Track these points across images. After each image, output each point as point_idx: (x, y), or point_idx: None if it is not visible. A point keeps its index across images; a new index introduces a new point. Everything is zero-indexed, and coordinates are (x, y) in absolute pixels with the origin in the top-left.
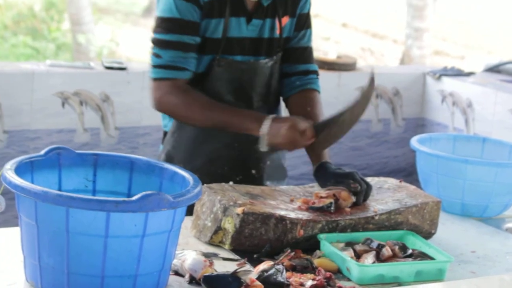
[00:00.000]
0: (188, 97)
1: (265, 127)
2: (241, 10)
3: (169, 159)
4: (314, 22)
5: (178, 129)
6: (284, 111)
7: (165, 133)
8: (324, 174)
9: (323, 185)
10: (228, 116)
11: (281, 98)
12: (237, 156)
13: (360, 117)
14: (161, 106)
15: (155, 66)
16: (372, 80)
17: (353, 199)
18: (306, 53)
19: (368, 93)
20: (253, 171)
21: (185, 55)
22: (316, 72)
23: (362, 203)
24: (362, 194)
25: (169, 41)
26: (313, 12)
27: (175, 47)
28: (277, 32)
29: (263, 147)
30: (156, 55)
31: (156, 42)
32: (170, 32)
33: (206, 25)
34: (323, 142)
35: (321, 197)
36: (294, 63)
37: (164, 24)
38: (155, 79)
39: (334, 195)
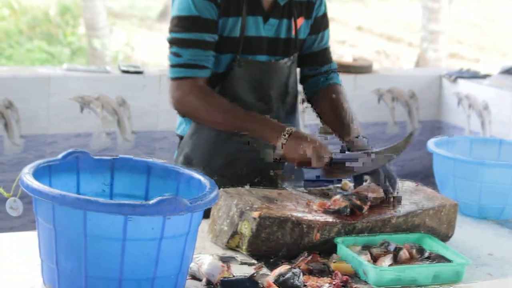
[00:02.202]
0: (209, 98)
1: (284, 139)
2: (258, 9)
3: (188, 161)
4: (329, 26)
5: (197, 131)
6: (301, 114)
7: (181, 138)
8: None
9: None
10: (248, 122)
11: (298, 99)
12: (256, 157)
13: (381, 164)
14: (181, 106)
15: (175, 66)
16: (410, 137)
17: (382, 194)
18: (326, 54)
19: (401, 146)
20: (271, 173)
21: (205, 53)
22: (336, 70)
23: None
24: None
25: (189, 40)
26: (328, 15)
27: (195, 45)
28: (293, 33)
29: (269, 158)
30: (175, 54)
31: (175, 41)
32: (189, 30)
33: (223, 24)
34: (334, 172)
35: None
36: (316, 65)
37: (183, 23)
38: (175, 79)
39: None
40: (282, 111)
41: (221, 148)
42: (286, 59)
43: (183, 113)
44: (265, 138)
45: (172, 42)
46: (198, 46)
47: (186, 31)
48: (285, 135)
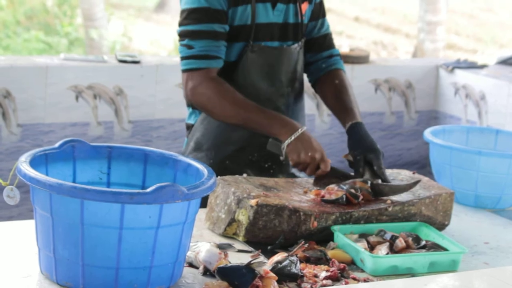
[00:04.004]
0: (222, 90)
1: (292, 138)
2: None
3: (198, 146)
4: (326, 16)
5: (208, 117)
6: (307, 100)
7: (188, 126)
8: (357, 139)
9: (352, 150)
10: (259, 116)
11: (304, 85)
12: (266, 142)
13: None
14: (194, 97)
15: (187, 57)
16: (414, 184)
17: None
18: (327, 39)
19: (403, 189)
20: (281, 158)
21: (217, 43)
22: (339, 55)
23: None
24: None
25: (200, 31)
26: (325, 6)
27: (207, 36)
28: (300, 17)
29: (272, 148)
30: (187, 46)
31: (186, 34)
32: (200, 22)
33: (232, 14)
34: (325, 183)
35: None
36: (318, 51)
37: (193, 15)
38: (188, 70)
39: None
40: (291, 96)
41: (232, 134)
42: (296, 44)
43: (195, 104)
44: (274, 134)
45: (183, 34)
46: (210, 37)
47: (197, 22)
48: (295, 135)
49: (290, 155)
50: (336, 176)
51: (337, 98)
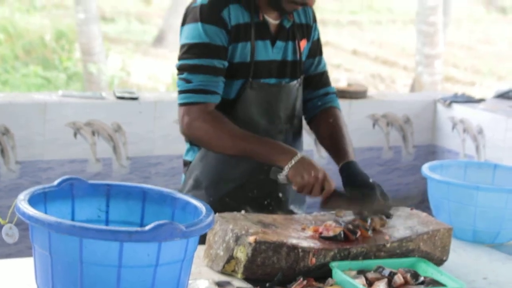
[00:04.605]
0: (219, 123)
1: (293, 162)
2: (266, 33)
3: (198, 184)
4: (324, 50)
5: (206, 154)
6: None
7: (186, 163)
8: (350, 177)
9: (348, 187)
10: (258, 145)
11: (303, 122)
12: (265, 179)
13: (378, 213)
14: (190, 131)
15: (185, 91)
16: (410, 204)
17: (385, 220)
18: (323, 77)
19: (400, 203)
20: (280, 194)
21: (216, 79)
22: (334, 93)
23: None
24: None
25: (199, 66)
26: (323, 40)
27: (206, 71)
28: (298, 55)
29: (274, 176)
30: (185, 80)
31: (186, 68)
32: (200, 56)
33: (233, 50)
34: (332, 205)
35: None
36: (314, 89)
37: (194, 50)
38: (185, 104)
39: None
40: (290, 133)
41: (232, 172)
42: (294, 81)
43: (192, 139)
44: (274, 161)
45: (182, 68)
46: (208, 72)
47: (197, 57)
48: (295, 159)
49: (294, 179)
50: (343, 197)
51: (331, 138)
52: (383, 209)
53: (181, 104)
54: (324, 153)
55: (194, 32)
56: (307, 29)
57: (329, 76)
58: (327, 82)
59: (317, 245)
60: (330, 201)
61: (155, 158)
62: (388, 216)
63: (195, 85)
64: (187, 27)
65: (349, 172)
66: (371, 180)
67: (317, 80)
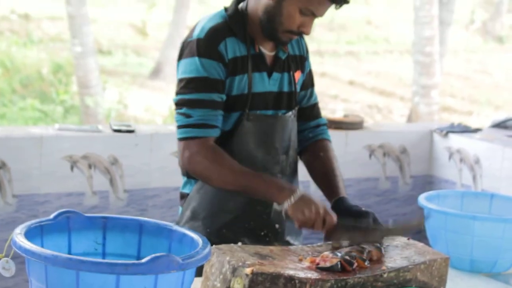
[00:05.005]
0: (219, 158)
1: (292, 200)
2: (262, 64)
3: (195, 215)
4: (321, 80)
5: (204, 186)
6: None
7: (183, 195)
8: (343, 211)
9: (343, 220)
10: (257, 182)
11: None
12: (262, 211)
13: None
14: (191, 165)
15: (184, 126)
16: (421, 222)
17: (383, 252)
18: (315, 109)
19: (411, 227)
20: (277, 226)
21: (215, 112)
22: (325, 124)
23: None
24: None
25: (198, 100)
26: (320, 70)
27: (205, 106)
28: (293, 86)
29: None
30: (185, 115)
31: (184, 102)
32: (198, 91)
33: (230, 83)
34: (336, 236)
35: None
36: (306, 121)
37: (192, 84)
38: (185, 139)
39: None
40: (286, 163)
41: (229, 203)
42: (290, 112)
43: (193, 173)
44: (272, 199)
45: (181, 103)
46: (208, 106)
47: (195, 91)
48: (295, 197)
49: (295, 216)
50: (344, 228)
51: (322, 174)
52: (376, 237)
53: (181, 139)
54: None
55: (192, 66)
56: (301, 60)
57: (324, 107)
58: (318, 113)
59: (314, 275)
60: (334, 233)
61: (151, 191)
62: (380, 243)
63: (195, 119)
64: (184, 61)
65: (341, 207)
66: (363, 209)
67: (308, 112)
